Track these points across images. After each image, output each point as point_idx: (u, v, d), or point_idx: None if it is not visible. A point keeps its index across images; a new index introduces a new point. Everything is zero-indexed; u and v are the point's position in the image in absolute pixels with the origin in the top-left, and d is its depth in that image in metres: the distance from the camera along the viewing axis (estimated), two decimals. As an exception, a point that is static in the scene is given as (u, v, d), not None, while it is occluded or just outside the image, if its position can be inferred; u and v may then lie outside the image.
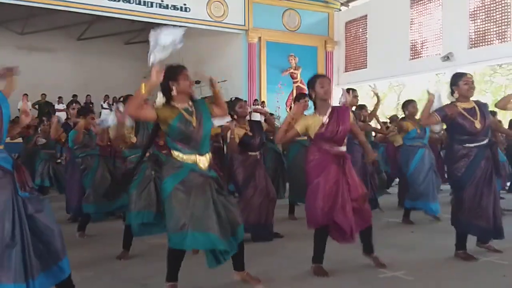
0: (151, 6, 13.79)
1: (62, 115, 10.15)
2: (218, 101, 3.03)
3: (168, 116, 2.82)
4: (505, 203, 6.09)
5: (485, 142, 3.76)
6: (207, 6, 14.56)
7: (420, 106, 5.55)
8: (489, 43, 12.27)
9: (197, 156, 2.84)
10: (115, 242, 4.18)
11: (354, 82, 14.73)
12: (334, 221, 3.29)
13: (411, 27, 14.11)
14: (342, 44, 16.21)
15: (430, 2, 13.57)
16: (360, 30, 15.86)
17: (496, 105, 4.33)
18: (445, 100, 3.90)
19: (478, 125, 3.69)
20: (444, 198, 6.55)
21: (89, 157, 4.97)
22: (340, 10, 16.53)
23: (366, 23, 15.58)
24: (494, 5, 12.12)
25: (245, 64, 15.14)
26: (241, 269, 3.11)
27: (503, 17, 11.98)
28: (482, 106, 3.82)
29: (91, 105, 13.52)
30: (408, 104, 5.69)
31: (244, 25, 15.09)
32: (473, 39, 12.55)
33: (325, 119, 3.37)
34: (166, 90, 2.88)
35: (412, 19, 14.10)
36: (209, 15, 14.61)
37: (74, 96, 13.27)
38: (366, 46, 15.40)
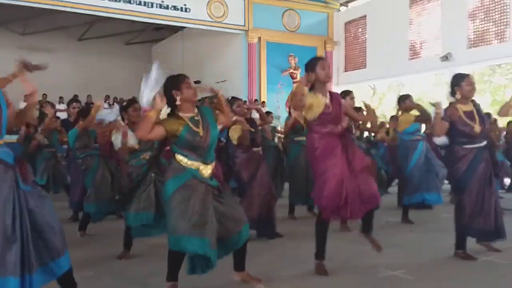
0: (152, 6, 13.82)
1: (63, 115, 10.17)
2: (223, 110, 3.07)
3: (176, 129, 2.83)
4: (504, 203, 6.11)
5: (483, 144, 3.78)
6: (207, 6, 14.58)
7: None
8: (488, 43, 12.29)
9: (201, 164, 2.85)
10: (116, 242, 4.19)
11: (353, 82, 14.77)
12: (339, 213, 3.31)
13: (410, 27, 14.13)
14: (341, 44, 16.24)
15: (429, 2, 13.60)
16: (360, 30, 15.89)
17: (498, 114, 4.36)
18: (444, 101, 3.92)
19: (477, 129, 3.72)
20: (444, 198, 6.56)
21: (89, 157, 4.98)
22: (339, 10, 16.56)
23: (365, 23, 15.60)
24: (493, 5, 12.14)
25: (245, 64, 15.17)
26: (241, 269, 3.12)
27: (502, 17, 12.00)
28: (479, 108, 3.85)
29: (91, 105, 13.52)
30: (405, 99, 5.60)
31: (244, 25, 15.11)
32: (472, 39, 12.58)
33: (327, 100, 3.38)
34: (170, 100, 2.89)
35: (411, 19, 14.12)
36: (209, 16, 14.63)
37: (75, 96, 13.29)
38: (366, 46, 15.43)
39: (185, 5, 14.21)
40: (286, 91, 15.43)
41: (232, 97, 4.78)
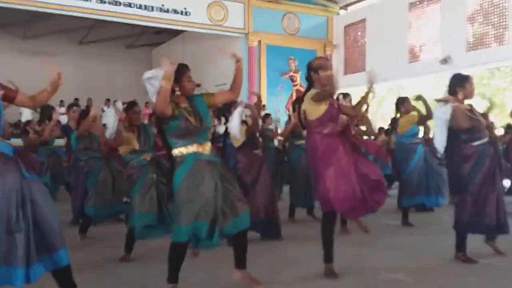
0: (152, 10, 13.85)
1: (64, 119, 10.18)
2: (236, 81, 3.17)
3: (175, 113, 2.88)
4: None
5: (487, 139, 3.82)
6: (207, 10, 14.62)
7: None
8: (487, 46, 12.32)
9: (196, 145, 2.89)
10: (116, 245, 4.20)
11: (353, 85, 14.76)
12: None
13: (409, 30, 14.16)
14: (341, 48, 16.27)
15: (429, 6, 13.63)
16: (359, 33, 15.92)
17: (510, 115, 4.37)
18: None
19: (484, 122, 3.78)
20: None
21: (92, 159, 5.00)
22: (339, 14, 16.60)
23: (365, 27, 15.64)
24: (492, 8, 12.18)
25: (245, 68, 15.19)
26: (242, 267, 3.08)
27: (501, 20, 12.03)
28: (473, 107, 3.90)
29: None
30: (404, 101, 5.57)
31: (244, 28, 15.15)
32: (471, 42, 12.60)
33: (330, 99, 3.41)
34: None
35: (410, 22, 14.15)
36: (209, 19, 14.67)
37: (76, 99, 13.33)
38: (365, 50, 15.46)
39: (185, 8, 14.25)
40: (286, 94, 15.47)
41: None
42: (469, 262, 3.75)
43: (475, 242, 3.94)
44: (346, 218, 3.36)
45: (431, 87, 19.42)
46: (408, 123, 5.50)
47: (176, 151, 2.90)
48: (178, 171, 2.86)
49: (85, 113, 5.27)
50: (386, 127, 8.10)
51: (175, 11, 14.13)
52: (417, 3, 13.98)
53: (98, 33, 18.08)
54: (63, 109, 13.67)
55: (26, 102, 2.68)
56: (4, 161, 2.40)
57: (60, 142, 7.09)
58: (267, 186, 4.64)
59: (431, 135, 6.92)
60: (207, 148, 2.94)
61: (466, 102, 3.89)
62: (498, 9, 12.06)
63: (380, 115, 20.93)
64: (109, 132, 4.15)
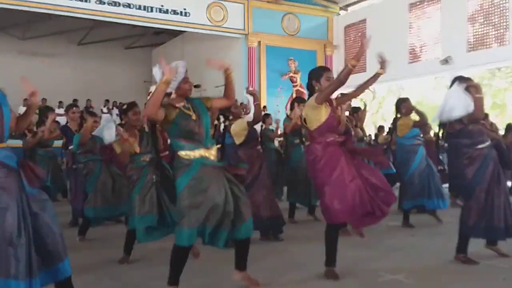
0: (151, 11, 13.86)
1: (62, 120, 10.15)
2: (228, 89, 3.05)
3: (173, 115, 2.87)
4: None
5: (489, 142, 3.80)
6: (206, 10, 14.63)
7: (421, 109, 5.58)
8: (487, 46, 12.31)
9: (203, 149, 2.88)
10: (116, 246, 4.18)
11: (353, 86, 14.77)
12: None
13: (410, 31, 14.17)
14: (341, 48, 16.28)
15: (429, 6, 13.63)
16: (359, 34, 15.91)
17: None
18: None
19: (487, 125, 3.75)
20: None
21: (91, 162, 4.98)
22: (339, 14, 16.61)
23: (365, 27, 15.64)
24: (493, 8, 12.17)
25: (245, 68, 15.19)
26: (243, 268, 3.09)
27: (502, 21, 12.03)
28: None
29: (91, 108, 13.55)
30: (403, 102, 5.53)
31: (244, 29, 15.15)
32: (472, 43, 12.60)
33: (331, 108, 3.40)
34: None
35: (411, 23, 14.16)
36: (209, 20, 14.67)
37: (75, 100, 13.31)
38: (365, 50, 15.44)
39: (184, 9, 14.26)
40: (286, 95, 15.46)
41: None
42: (470, 263, 3.73)
43: (476, 243, 3.92)
44: (354, 227, 3.34)
45: (432, 87, 19.44)
46: (404, 126, 5.52)
47: (183, 153, 2.86)
48: (183, 174, 2.83)
49: (87, 113, 5.25)
50: (386, 126, 8.10)
51: (175, 12, 14.14)
52: (418, 3, 13.98)
53: (97, 34, 18.08)
54: (61, 110, 13.67)
55: (12, 122, 2.60)
56: (6, 173, 2.38)
57: (59, 143, 7.07)
58: (266, 185, 4.65)
59: (430, 136, 6.91)
60: (213, 153, 2.92)
61: None
62: (499, 10, 12.06)
63: (381, 115, 20.93)
64: (107, 140, 4.11)
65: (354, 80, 3.80)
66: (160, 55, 2.87)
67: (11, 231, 2.31)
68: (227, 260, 3.27)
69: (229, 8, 14.89)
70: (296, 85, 15.56)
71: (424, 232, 5.20)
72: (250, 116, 4.39)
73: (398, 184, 7.12)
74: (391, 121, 6.24)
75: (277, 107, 15.00)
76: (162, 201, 3.84)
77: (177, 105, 2.92)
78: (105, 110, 15.49)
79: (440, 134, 4.14)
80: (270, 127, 8.32)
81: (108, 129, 4.32)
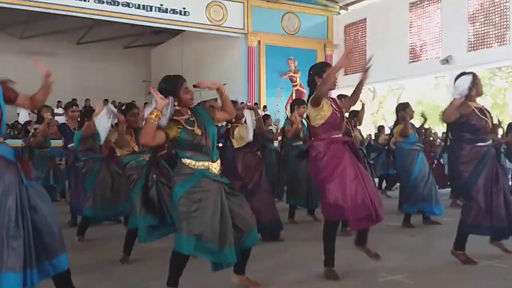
0: (150, 10, 13.84)
1: (61, 120, 10.14)
2: (226, 105, 3.05)
3: (175, 133, 2.82)
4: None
5: (490, 141, 3.80)
6: (206, 10, 14.61)
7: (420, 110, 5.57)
8: (488, 46, 12.31)
9: (209, 162, 2.86)
10: (115, 246, 4.17)
11: (353, 85, 14.74)
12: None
13: (410, 30, 14.16)
14: (341, 48, 16.26)
15: (429, 6, 13.62)
16: (360, 33, 15.91)
17: None
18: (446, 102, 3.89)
19: (490, 124, 3.75)
20: (444, 201, 6.54)
21: (91, 160, 4.96)
22: (339, 13, 16.59)
23: (365, 27, 15.64)
24: (493, 8, 12.16)
25: (245, 68, 15.18)
26: (241, 272, 3.11)
27: (502, 20, 12.02)
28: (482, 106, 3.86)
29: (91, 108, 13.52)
30: (405, 108, 5.55)
31: (244, 28, 15.14)
32: (472, 42, 12.59)
33: (333, 105, 3.37)
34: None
35: (411, 22, 14.15)
36: (208, 19, 14.66)
37: (74, 99, 13.28)
38: (366, 50, 15.44)
39: (184, 8, 14.24)
40: (285, 95, 15.46)
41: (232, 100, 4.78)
42: (469, 263, 3.72)
43: (476, 243, 3.91)
44: (351, 228, 3.31)
45: (432, 87, 19.43)
46: (397, 134, 5.59)
47: (187, 161, 2.84)
48: (183, 181, 2.81)
49: (88, 113, 5.18)
50: (386, 126, 8.10)
51: (174, 11, 14.12)
52: (418, 2, 13.98)
53: (96, 33, 18.07)
54: (60, 110, 13.66)
55: (25, 104, 2.68)
56: (5, 166, 2.38)
57: (58, 143, 7.04)
58: (266, 189, 4.66)
59: (431, 136, 6.90)
60: (217, 167, 2.90)
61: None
62: (499, 9, 12.05)
63: (381, 115, 20.93)
64: (103, 135, 4.07)
65: (355, 80, 3.78)
66: (151, 87, 2.81)
67: (8, 223, 2.30)
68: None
69: (229, 7, 14.87)
70: (296, 85, 15.54)
71: (424, 232, 5.20)
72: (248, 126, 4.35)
73: (398, 184, 7.12)
74: (393, 124, 6.27)
75: (277, 107, 14.99)
76: (162, 200, 3.83)
77: (179, 119, 2.86)
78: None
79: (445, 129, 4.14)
80: (270, 127, 8.31)
81: (101, 124, 4.23)
